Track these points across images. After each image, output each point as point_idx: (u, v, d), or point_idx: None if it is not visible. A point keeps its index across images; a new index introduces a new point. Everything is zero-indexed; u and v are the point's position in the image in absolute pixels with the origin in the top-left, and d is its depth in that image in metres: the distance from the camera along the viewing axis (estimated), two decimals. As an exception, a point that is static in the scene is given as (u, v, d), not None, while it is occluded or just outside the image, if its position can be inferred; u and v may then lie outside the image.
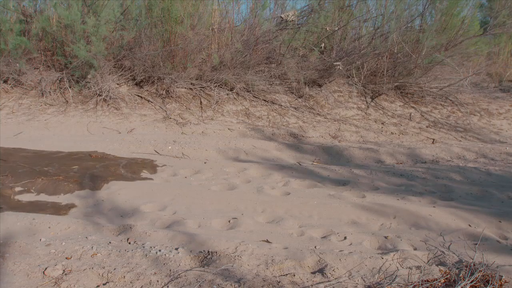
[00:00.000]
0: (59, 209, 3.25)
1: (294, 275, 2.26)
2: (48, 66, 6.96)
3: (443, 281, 2.24)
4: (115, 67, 6.84)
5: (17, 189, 3.54)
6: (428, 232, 3.01)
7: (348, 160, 5.22)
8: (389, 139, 6.35)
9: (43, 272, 2.17)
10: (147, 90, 6.84)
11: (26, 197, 3.43)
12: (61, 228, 2.77)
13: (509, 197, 3.85)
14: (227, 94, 6.89)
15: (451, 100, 7.87)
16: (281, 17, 7.79)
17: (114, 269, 2.23)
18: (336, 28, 7.59)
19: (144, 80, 6.90)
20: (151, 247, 2.52)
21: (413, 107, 7.54)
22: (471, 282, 2.19)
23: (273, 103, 6.99)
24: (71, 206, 3.33)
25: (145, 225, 2.94)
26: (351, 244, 2.78)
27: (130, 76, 6.89)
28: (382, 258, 2.47)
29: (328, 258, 2.45)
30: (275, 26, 7.68)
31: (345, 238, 2.85)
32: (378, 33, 7.86)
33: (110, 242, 2.58)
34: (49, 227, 2.77)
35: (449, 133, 6.80)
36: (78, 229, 2.79)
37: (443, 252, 2.64)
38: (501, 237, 2.97)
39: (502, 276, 2.30)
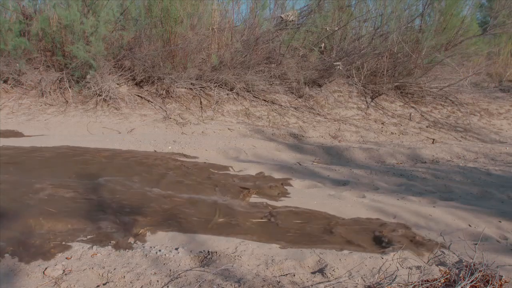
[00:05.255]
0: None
1: (294, 275, 2.26)
2: (48, 66, 6.96)
3: (443, 281, 2.24)
4: (115, 67, 6.84)
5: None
6: (428, 232, 3.01)
7: (348, 160, 5.22)
8: (389, 139, 6.35)
9: (43, 272, 2.17)
10: (147, 90, 6.84)
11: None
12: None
13: (509, 197, 3.85)
14: (227, 94, 6.88)
15: (451, 100, 7.87)
16: (281, 17, 7.80)
17: (114, 269, 2.23)
18: (336, 28, 7.59)
19: (144, 80, 6.90)
20: (151, 247, 2.52)
21: (413, 107, 7.54)
22: (471, 282, 2.19)
23: (273, 103, 6.98)
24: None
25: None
26: (351, 244, 2.77)
27: (130, 76, 6.89)
28: (382, 258, 2.47)
29: (328, 258, 2.45)
30: (275, 26, 7.68)
31: (345, 238, 2.85)
32: (378, 33, 7.86)
33: (110, 242, 2.57)
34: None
35: (449, 133, 6.80)
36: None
37: (443, 252, 2.64)
38: (501, 237, 2.97)
39: (502, 276, 2.30)
